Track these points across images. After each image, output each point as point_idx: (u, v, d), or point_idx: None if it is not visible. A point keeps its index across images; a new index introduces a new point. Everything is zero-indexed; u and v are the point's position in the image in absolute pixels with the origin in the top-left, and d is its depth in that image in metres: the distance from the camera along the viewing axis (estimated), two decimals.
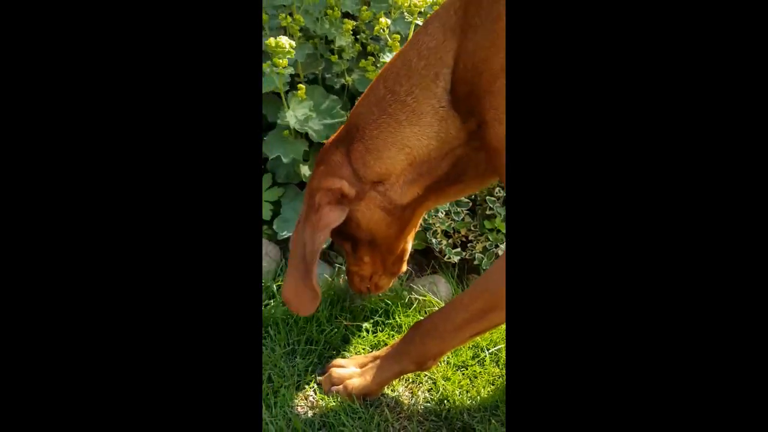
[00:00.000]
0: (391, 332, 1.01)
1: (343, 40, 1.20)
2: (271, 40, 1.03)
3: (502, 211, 1.06)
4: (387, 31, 1.03)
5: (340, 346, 0.98)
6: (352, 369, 0.90)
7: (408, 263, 1.14)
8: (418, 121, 0.69)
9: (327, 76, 1.29)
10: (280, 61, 1.03)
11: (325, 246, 0.87)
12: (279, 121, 1.17)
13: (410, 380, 0.91)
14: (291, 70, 1.08)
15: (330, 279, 1.07)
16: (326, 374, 0.90)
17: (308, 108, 1.17)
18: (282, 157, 1.15)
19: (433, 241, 1.11)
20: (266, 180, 1.25)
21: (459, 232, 1.11)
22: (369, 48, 1.18)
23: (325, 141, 0.87)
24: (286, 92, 1.15)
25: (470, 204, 1.10)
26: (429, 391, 0.90)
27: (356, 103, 0.76)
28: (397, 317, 1.03)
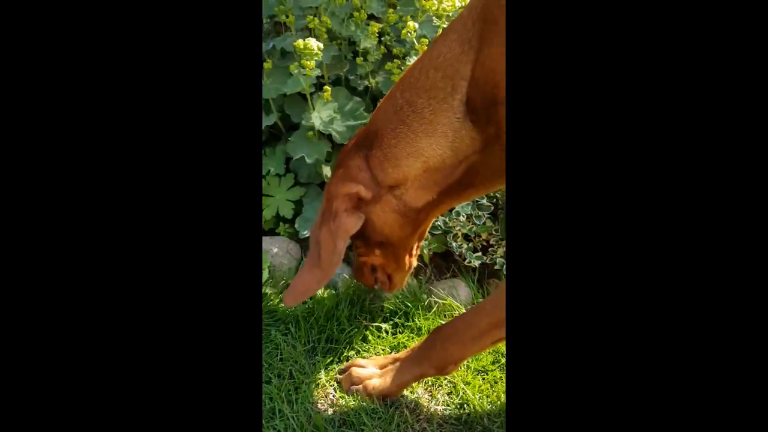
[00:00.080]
0: (411, 334, 1.01)
1: (368, 42, 1.20)
2: (300, 42, 1.04)
3: None
4: (414, 35, 1.04)
5: (359, 345, 0.99)
6: (371, 369, 0.90)
7: (428, 266, 1.15)
8: (434, 132, 0.71)
9: (351, 77, 1.30)
10: (308, 63, 1.05)
11: None
12: (303, 122, 1.19)
13: (430, 383, 0.91)
14: (318, 72, 1.09)
15: (349, 279, 1.08)
16: (346, 373, 0.91)
17: (333, 110, 1.18)
18: (306, 158, 1.17)
19: (454, 244, 1.11)
20: (288, 180, 1.27)
21: (480, 236, 1.11)
22: (395, 51, 1.19)
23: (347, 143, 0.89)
24: (311, 94, 1.16)
25: (492, 208, 1.10)
26: (449, 394, 0.90)
27: (377, 107, 0.78)
28: (416, 319, 1.03)
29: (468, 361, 0.93)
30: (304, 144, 1.20)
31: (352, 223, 0.76)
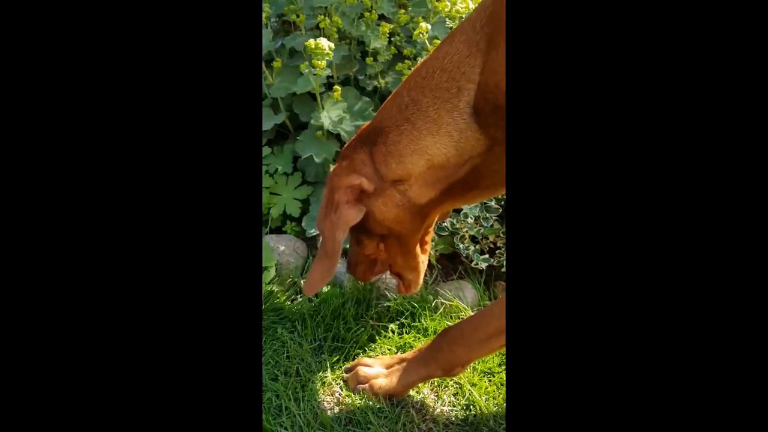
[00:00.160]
0: (417, 335, 1.01)
1: (378, 43, 1.21)
2: (311, 42, 1.04)
3: None
4: (426, 36, 1.04)
5: (366, 345, 0.99)
6: (378, 369, 0.91)
7: (434, 267, 1.15)
8: (438, 131, 0.72)
9: (360, 77, 1.31)
10: (319, 62, 1.05)
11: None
12: (312, 122, 1.19)
13: (436, 383, 0.92)
14: (328, 72, 1.10)
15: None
16: (352, 372, 0.91)
17: (342, 110, 1.18)
18: (314, 157, 1.17)
19: (461, 246, 1.11)
20: (296, 178, 1.27)
21: (487, 239, 1.12)
22: (405, 52, 1.20)
23: None
24: (321, 93, 1.17)
25: (500, 210, 1.11)
26: (455, 395, 0.90)
27: (383, 104, 0.79)
28: (422, 320, 1.03)
29: (474, 363, 0.94)
30: (313, 143, 1.20)
31: (353, 215, 0.77)
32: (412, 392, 0.89)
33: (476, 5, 0.89)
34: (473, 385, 0.91)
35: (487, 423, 0.85)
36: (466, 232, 1.11)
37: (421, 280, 0.92)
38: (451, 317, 1.04)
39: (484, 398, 0.88)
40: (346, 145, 0.83)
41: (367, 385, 0.89)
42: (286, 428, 0.82)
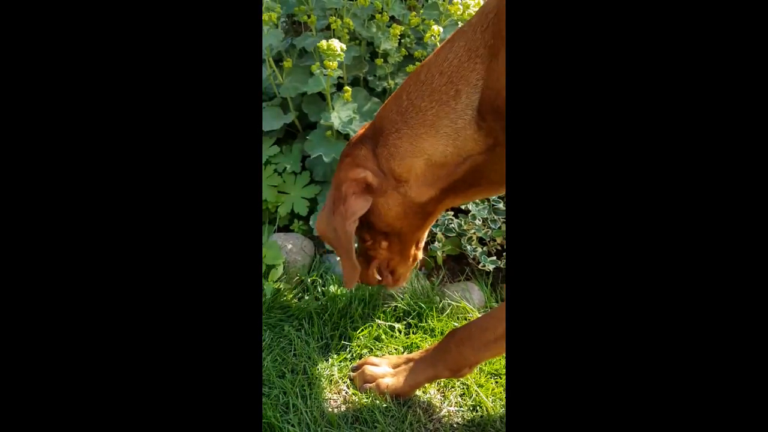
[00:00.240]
0: (424, 335, 1.01)
1: (389, 44, 1.22)
2: (323, 43, 1.05)
3: None
4: (438, 39, 1.05)
5: (372, 344, 0.99)
6: (385, 368, 0.91)
7: (441, 268, 1.15)
8: (436, 133, 0.73)
9: (369, 78, 1.32)
10: (331, 63, 1.06)
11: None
12: (322, 122, 1.20)
13: (443, 384, 0.92)
14: (340, 73, 1.10)
15: None
16: (359, 371, 0.92)
17: (352, 110, 1.19)
18: (323, 157, 1.18)
19: (468, 247, 1.12)
20: (304, 177, 1.28)
21: (495, 241, 1.12)
22: (416, 54, 1.20)
23: None
24: (331, 94, 1.17)
25: None
26: (461, 396, 0.90)
27: (383, 105, 0.80)
28: (429, 320, 1.03)
29: (481, 364, 0.94)
30: (322, 143, 1.21)
31: (361, 205, 0.79)
32: (418, 392, 0.90)
33: (477, 9, 0.90)
34: (480, 386, 0.91)
35: (494, 424, 0.85)
36: (474, 233, 1.11)
37: (409, 275, 0.94)
38: (458, 318, 1.04)
39: (490, 399, 0.88)
40: (347, 144, 0.84)
41: (373, 384, 0.89)
42: (293, 425, 0.83)
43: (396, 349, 0.99)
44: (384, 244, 0.88)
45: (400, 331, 1.02)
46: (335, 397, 0.89)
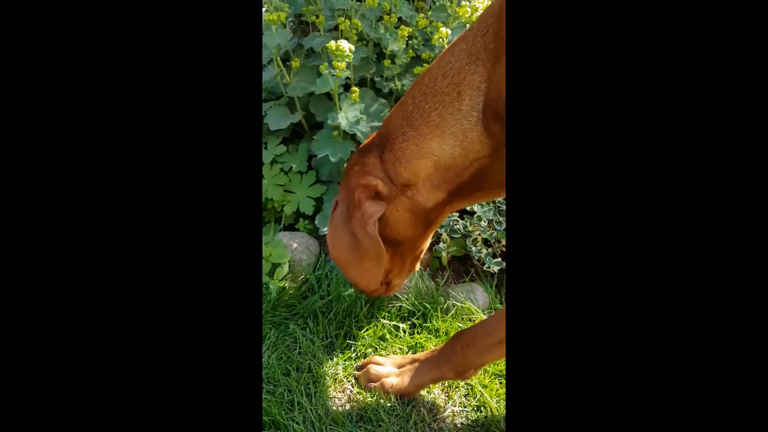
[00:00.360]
0: (428, 335, 1.02)
1: (396, 45, 1.22)
2: (332, 43, 1.06)
3: None
4: (445, 41, 1.05)
5: (377, 344, 1.00)
6: (389, 368, 0.91)
7: (446, 269, 1.15)
8: (442, 134, 0.74)
9: (376, 79, 1.32)
10: (339, 64, 1.06)
11: None
12: (329, 122, 1.20)
13: (447, 384, 0.92)
14: (348, 73, 1.11)
15: None
16: (364, 370, 0.92)
17: (359, 111, 1.19)
18: (330, 156, 1.18)
19: (473, 249, 1.12)
20: (310, 177, 1.28)
21: (500, 242, 1.12)
22: (423, 55, 1.21)
23: None
24: (339, 94, 1.18)
25: None
26: (465, 396, 0.90)
27: (389, 113, 0.81)
28: (434, 321, 1.04)
29: (486, 366, 0.94)
30: (329, 143, 1.21)
31: (377, 208, 0.79)
32: (423, 392, 0.90)
33: (479, 16, 0.91)
34: (484, 386, 0.91)
35: (498, 425, 0.85)
36: (479, 235, 1.12)
37: (404, 282, 0.93)
38: (462, 319, 1.05)
39: (494, 400, 0.89)
40: (355, 152, 0.85)
41: (378, 383, 0.89)
42: (298, 423, 0.83)
43: (400, 349, 0.99)
44: (389, 253, 0.88)
45: (404, 331, 1.02)
46: (340, 396, 0.90)
